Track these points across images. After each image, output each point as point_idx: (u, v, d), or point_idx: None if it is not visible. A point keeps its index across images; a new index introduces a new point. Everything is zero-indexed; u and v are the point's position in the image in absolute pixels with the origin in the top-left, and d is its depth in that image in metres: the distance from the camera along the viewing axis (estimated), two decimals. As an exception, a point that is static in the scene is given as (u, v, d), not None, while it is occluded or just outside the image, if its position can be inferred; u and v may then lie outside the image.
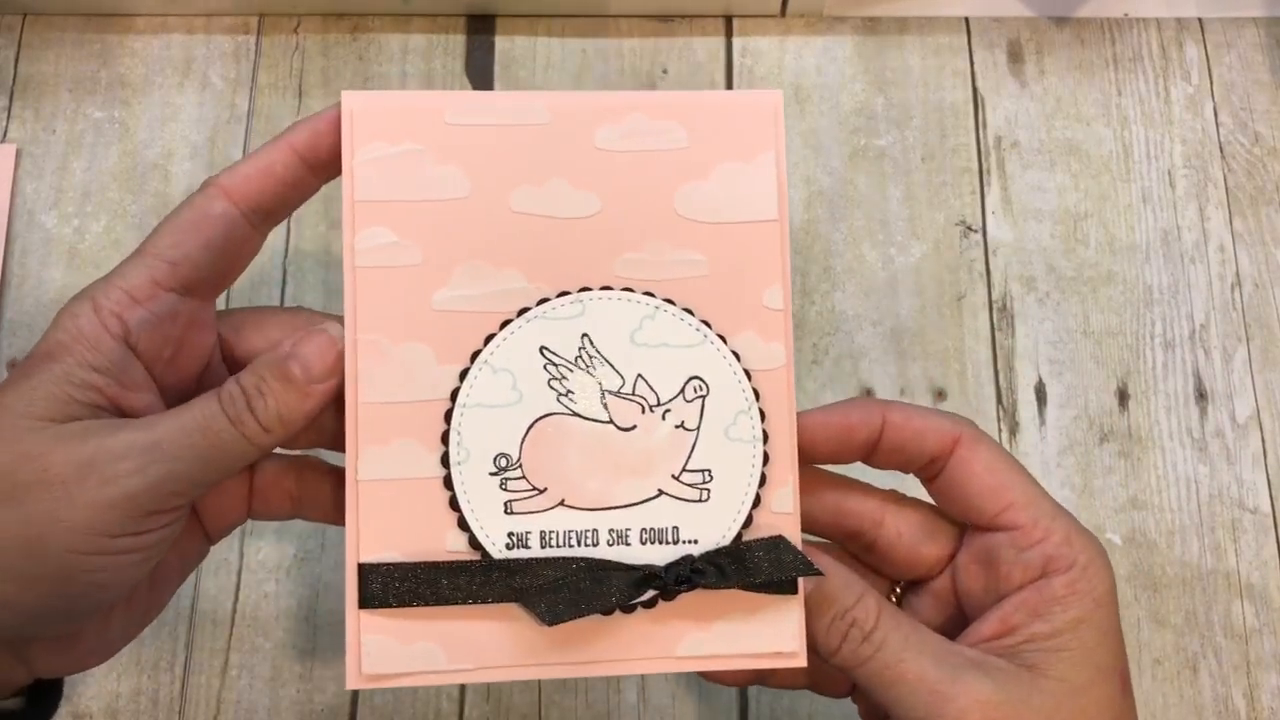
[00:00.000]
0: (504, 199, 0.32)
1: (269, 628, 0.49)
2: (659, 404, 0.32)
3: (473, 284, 0.32)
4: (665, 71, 0.57)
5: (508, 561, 0.31)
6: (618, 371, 0.32)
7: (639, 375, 0.32)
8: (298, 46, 0.58)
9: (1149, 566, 0.51)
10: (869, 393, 0.53)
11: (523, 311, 0.32)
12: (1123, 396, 0.53)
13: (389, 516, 0.31)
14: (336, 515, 0.33)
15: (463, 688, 0.49)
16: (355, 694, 0.49)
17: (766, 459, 0.32)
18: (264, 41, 0.58)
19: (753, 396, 0.32)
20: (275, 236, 0.54)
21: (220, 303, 0.53)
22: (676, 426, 0.32)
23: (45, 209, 0.55)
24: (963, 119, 0.57)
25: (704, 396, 0.32)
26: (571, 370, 0.32)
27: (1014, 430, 0.52)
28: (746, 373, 0.32)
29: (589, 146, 0.33)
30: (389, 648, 0.31)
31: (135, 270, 0.31)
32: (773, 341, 0.33)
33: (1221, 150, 0.57)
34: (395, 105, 0.32)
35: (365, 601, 0.30)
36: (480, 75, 0.57)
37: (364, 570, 0.31)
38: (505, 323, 0.32)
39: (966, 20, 0.59)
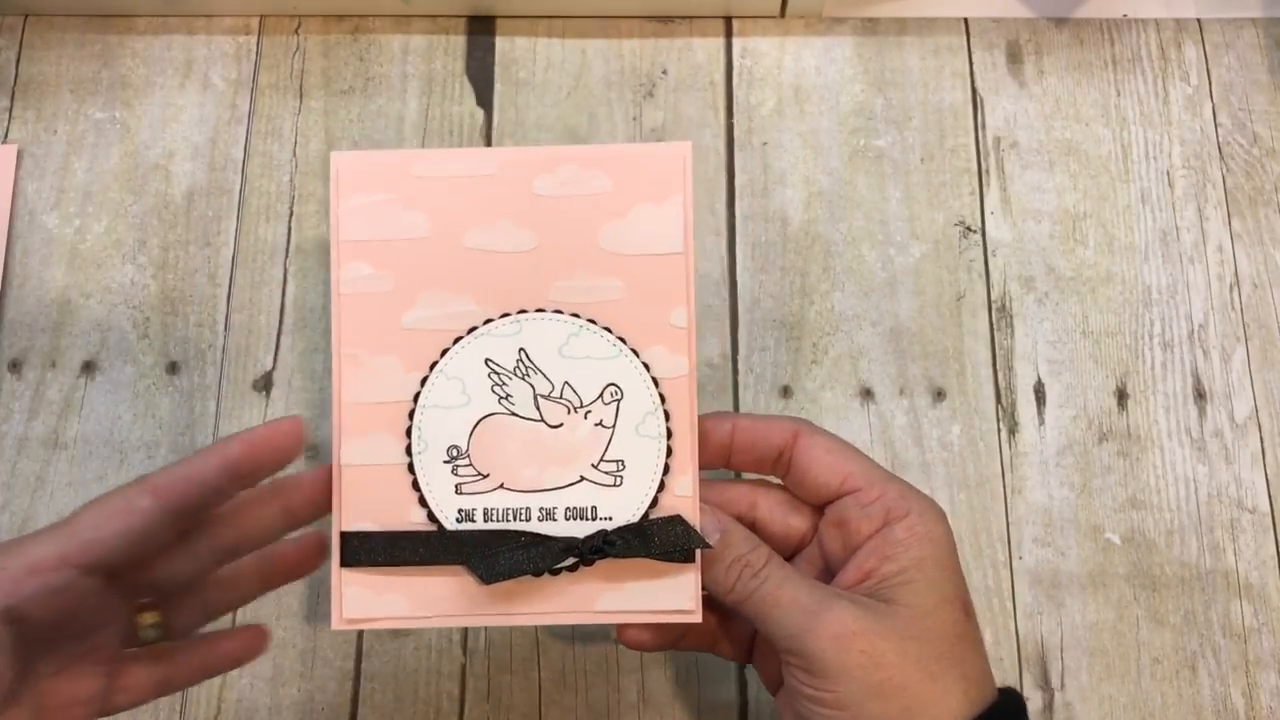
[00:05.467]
0: (459, 237, 0.39)
1: (270, 627, 0.49)
2: (582, 406, 0.38)
3: (433, 307, 0.39)
4: (665, 72, 0.58)
5: (458, 533, 0.37)
6: (548, 379, 0.38)
7: (566, 382, 0.38)
8: (298, 47, 0.58)
9: (1148, 566, 0.51)
10: (869, 393, 0.53)
11: (472, 330, 0.39)
12: (1121, 396, 0.53)
13: (365, 494, 0.38)
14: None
15: (462, 688, 0.49)
16: (355, 693, 0.49)
17: (670, 452, 0.38)
18: (265, 42, 0.58)
19: (659, 400, 0.38)
20: (276, 237, 0.55)
21: (221, 310, 0.53)
22: (596, 425, 0.38)
23: (46, 209, 0.55)
24: (962, 119, 0.57)
25: (619, 400, 0.38)
26: (511, 378, 0.38)
27: (1013, 430, 0.52)
28: (655, 380, 0.38)
29: (528, 192, 0.39)
30: (364, 598, 0.37)
31: (48, 542, 0.34)
32: (678, 354, 0.39)
33: (1220, 151, 0.57)
34: (372, 162, 0.40)
35: (346, 561, 0.37)
36: (480, 76, 0.57)
37: (345, 537, 0.38)
38: (458, 339, 0.39)
39: (965, 21, 0.59)
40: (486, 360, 0.38)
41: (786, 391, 0.53)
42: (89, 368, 0.53)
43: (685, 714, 0.49)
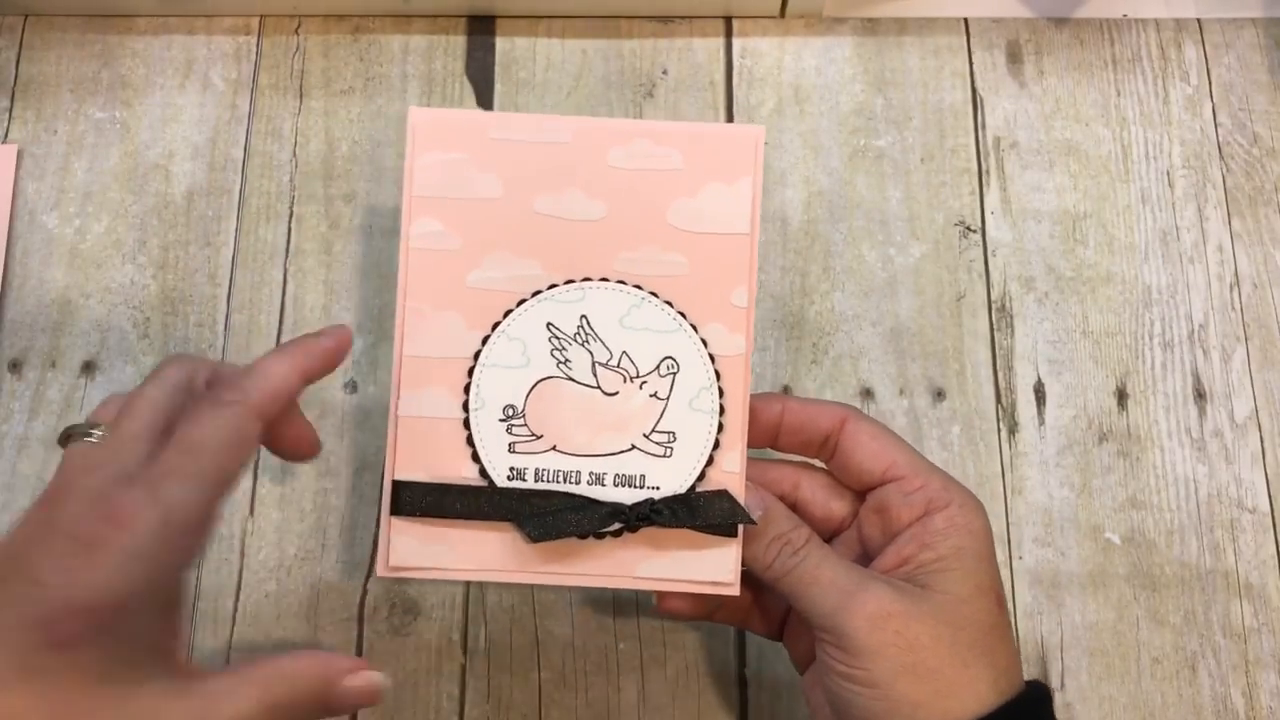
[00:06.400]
0: (529, 202, 0.40)
1: (270, 627, 0.49)
2: (638, 376, 0.39)
3: (499, 268, 0.40)
4: (665, 72, 0.58)
5: (508, 490, 0.38)
6: (607, 348, 0.39)
7: (624, 352, 0.39)
8: (298, 47, 0.58)
9: (1148, 566, 0.51)
10: (869, 393, 0.53)
11: (536, 293, 0.40)
12: (1121, 396, 0.53)
13: (419, 445, 0.39)
14: None
15: (462, 688, 0.49)
16: (356, 693, 0.49)
17: (721, 428, 0.39)
18: (265, 42, 0.58)
19: (714, 377, 0.39)
20: (276, 237, 0.55)
21: (221, 310, 0.53)
22: (651, 395, 0.39)
23: (46, 209, 0.55)
24: (962, 119, 0.57)
25: (675, 373, 0.39)
26: (570, 344, 0.39)
27: (1013, 430, 0.52)
28: (711, 357, 0.39)
29: (602, 163, 0.40)
30: (411, 546, 0.38)
31: (193, 489, 0.32)
32: (736, 333, 0.39)
33: (1220, 151, 0.57)
34: (449, 121, 0.40)
35: (396, 509, 0.38)
36: (481, 76, 0.57)
37: (397, 485, 0.39)
38: (521, 301, 0.39)
39: (965, 21, 0.59)
40: (548, 324, 0.39)
41: (787, 392, 0.53)
42: (89, 368, 0.53)
43: (685, 714, 0.49)
